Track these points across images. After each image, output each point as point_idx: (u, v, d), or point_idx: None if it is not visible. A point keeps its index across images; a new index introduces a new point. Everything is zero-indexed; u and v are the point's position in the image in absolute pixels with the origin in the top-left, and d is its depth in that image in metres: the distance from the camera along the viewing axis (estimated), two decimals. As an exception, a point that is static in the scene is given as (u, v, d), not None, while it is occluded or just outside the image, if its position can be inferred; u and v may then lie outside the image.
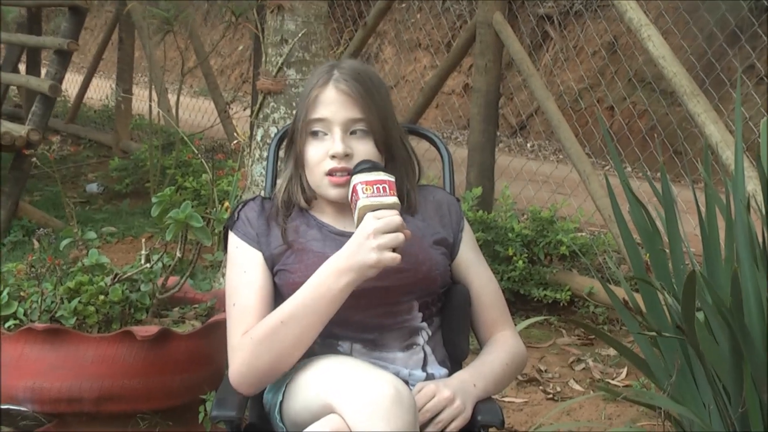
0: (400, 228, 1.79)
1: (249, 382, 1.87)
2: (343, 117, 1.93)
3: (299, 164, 2.00)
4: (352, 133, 1.94)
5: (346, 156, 1.91)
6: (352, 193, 1.84)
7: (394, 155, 2.00)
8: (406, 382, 1.83)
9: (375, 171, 1.85)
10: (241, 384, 1.88)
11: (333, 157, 1.92)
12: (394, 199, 1.82)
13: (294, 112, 3.39)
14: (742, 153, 2.30)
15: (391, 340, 1.94)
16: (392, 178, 1.85)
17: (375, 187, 1.82)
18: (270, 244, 1.97)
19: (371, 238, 1.77)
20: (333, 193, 1.94)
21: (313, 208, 2.04)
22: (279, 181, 2.09)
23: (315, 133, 1.95)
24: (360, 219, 1.81)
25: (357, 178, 1.84)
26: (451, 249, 2.04)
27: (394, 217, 1.78)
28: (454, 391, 1.86)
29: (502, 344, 2.04)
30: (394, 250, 1.78)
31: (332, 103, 1.94)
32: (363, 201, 1.81)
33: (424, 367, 1.95)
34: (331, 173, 1.93)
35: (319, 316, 1.83)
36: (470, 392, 1.89)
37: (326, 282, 1.82)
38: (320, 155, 1.94)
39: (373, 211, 1.80)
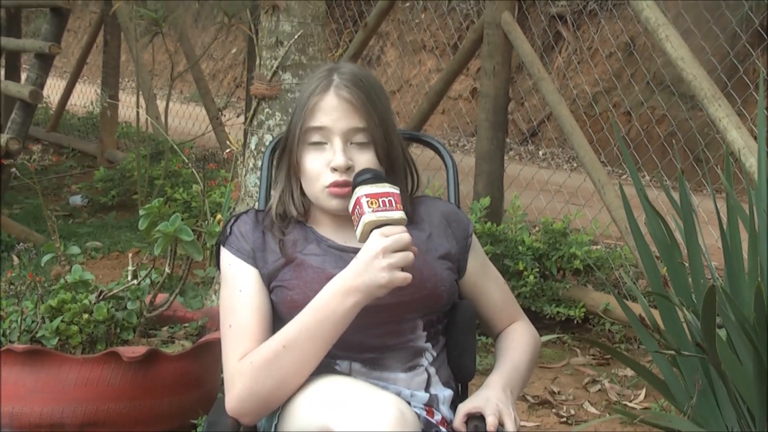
0: (409, 246, 1.79)
1: (249, 410, 1.87)
2: (345, 126, 1.94)
3: (293, 174, 2.01)
4: (353, 143, 1.95)
5: (348, 169, 1.92)
6: (355, 206, 1.83)
7: (394, 166, 2.00)
8: (408, 404, 1.84)
9: (379, 182, 1.84)
10: (240, 412, 1.87)
11: (334, 169, 1.93)
12: (401, 214, 1.82)
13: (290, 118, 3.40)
14: (766, 160, 2.30)
15: (393, 360, 1.94)
16: (397, 190, 1.85)
17: (380, 200, 1.81)
18: (267, 259, 1.97)
19: (380, 257, 1.77)
20: (333, 204, 1.94)
21: (312, 221, 2.04)
22: (273, 193, 2.09)
23: (314, 144, 1.96)
24: (364, 234, 1.81)
25: (361, 191, 1.83)
26: (457, 263, 2.05)
27: (403, 235, 1.79)
28: (506, 406, 1.90)
29: (521, 336, 2.11)
30: (402, 269, 1.78)
31: (333, 111, 1.94)
32: (369, 216, 1.80)
33: (427, 388, 1.96)
34: (331, 186, 1.93)
35: (324, 339, 1.83)
36: (510, 401, 1.93)
37: (330, 303, 1.82)
38: (320, 167, 1.95)
39: (380, 227, 1.80)
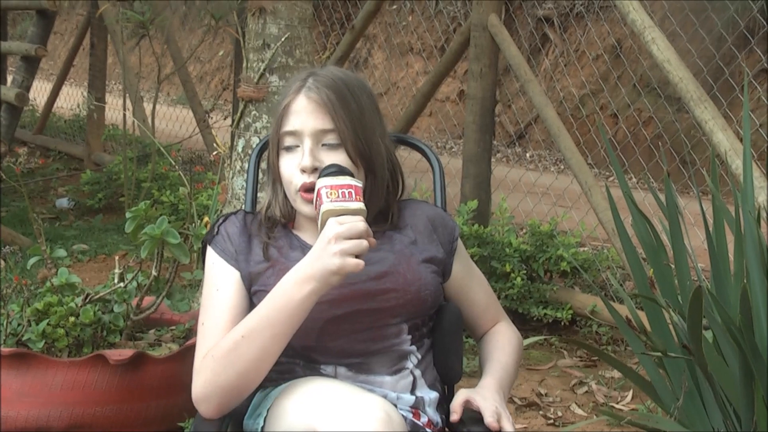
0: (364, 234, 1.79)
1: (212, 402, 1.87)
2: (313, 127, 1.94)
3: (276, 178, 2.01)
4: (324, 145, 1.95)
5: (315, 170, 1.91)
6: (317, 198, 1.84)
7: (374, 168, 1.99)
8: (395, 406, 1.84)
9: (341, 175, 1.86)
10: (203, 404, 1.88)
11: (303, 171, 1.93)
12: (360, 205, 1.82)
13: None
14: (751, 162, 2.31)
15: (379, 364, 1.94)
16: (359, 184, 1.85)
17: (340, 191, 1.82)
18: (249, 262, 1.97)
19: (333, 243, 1.77)
20: (306, 209, 1.94)
21: (297, 228, 2.04)
22: (261, 195, 2.09)
23: (288, 148, 1.97)
24: (323, 224, 1.82)
25: (321, 182, 1.84)
26: (442, 266, 2.05)
27: (357, 223, 1.79)
28: (503, 408, 1.91)
29: (506, 338, 2.13)
30: (357, 257, 1.78)
31: (302, 113, 1.95)
32: (326, 205, 1.81)
33: (413, 391, 1.96)
34: (303, 189, 1.93)
35: (282, 327, 1.83)
36: (504, 403, 1.94)
37: (288, 292, 1.82)
38: (292, 170, 1.95)
39: (337, 216, 1.81)
